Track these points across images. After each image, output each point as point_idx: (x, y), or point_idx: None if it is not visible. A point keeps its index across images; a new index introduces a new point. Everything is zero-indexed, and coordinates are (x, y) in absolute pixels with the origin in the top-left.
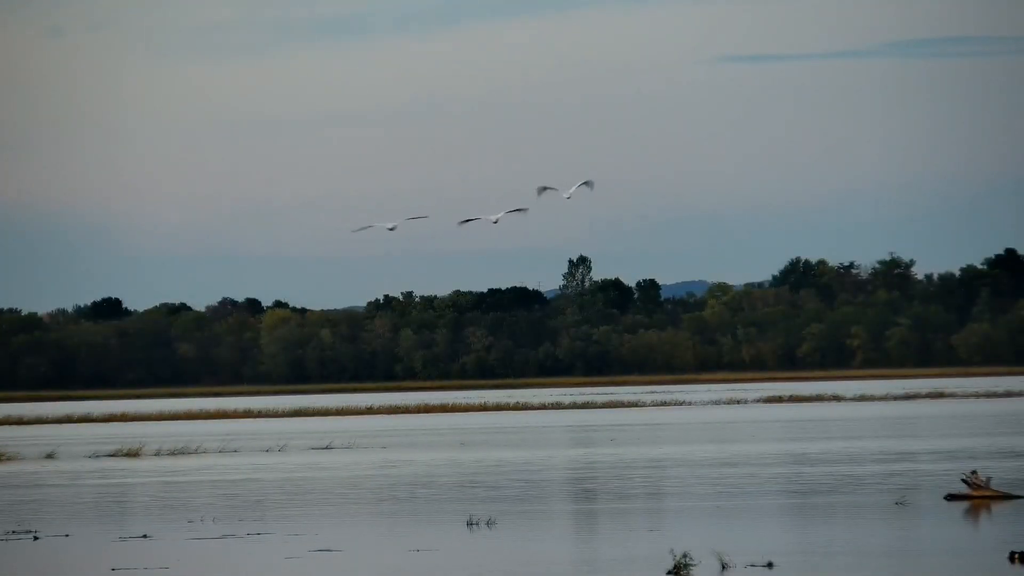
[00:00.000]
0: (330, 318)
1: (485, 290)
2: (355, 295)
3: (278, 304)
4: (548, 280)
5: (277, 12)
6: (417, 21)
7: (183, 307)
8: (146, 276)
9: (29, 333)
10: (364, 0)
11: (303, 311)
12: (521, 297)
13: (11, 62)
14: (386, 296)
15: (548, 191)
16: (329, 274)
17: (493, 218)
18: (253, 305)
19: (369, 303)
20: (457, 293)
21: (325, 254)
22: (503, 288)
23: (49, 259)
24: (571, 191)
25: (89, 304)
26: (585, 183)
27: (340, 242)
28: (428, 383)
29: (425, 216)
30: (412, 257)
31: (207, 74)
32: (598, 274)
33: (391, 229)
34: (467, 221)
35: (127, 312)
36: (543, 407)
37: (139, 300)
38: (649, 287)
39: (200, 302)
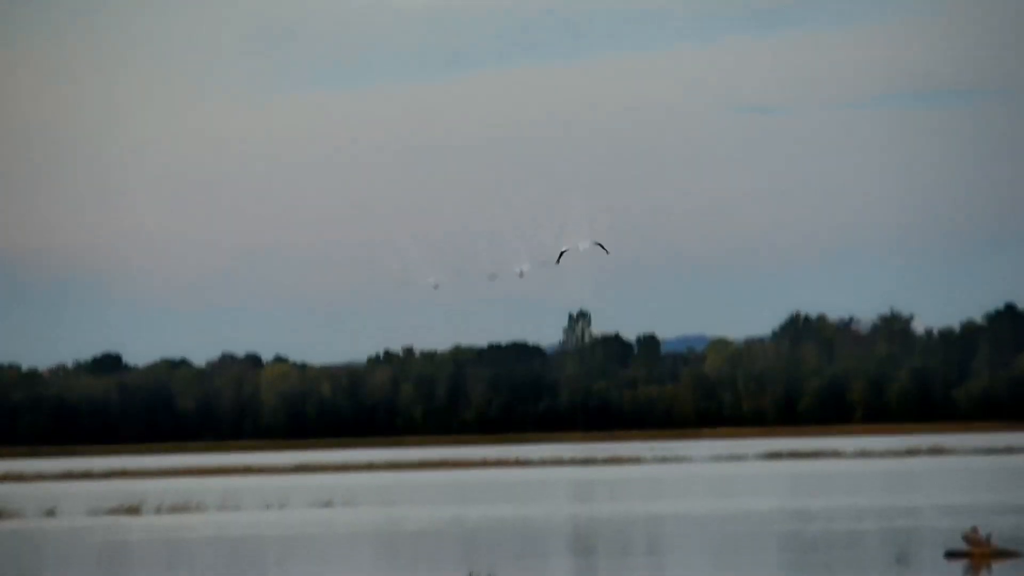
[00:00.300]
0: (330, 372)
1: (485, 344)
2: (355, 349)
3: (278, 359)
4: (548, 334)
5: (274, 57)
6: (425, 66)
7: (183, 362)
8: (146, 330)
9: (29, 388)
10: (360, 47)
11: (303, 365)
12: (521, 351)
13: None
14: (386, 350)
15: (566, 253)
16: (329, 328)
17: (518, 270)
18: (253, 359)
19: (369, 357)
20: (457, 347)
21: (325, 307)
22: (503, 343)
23: (48, 313)
24: (584, 246)
25: (89, 359)
26: (599, 244)
27: (340, 295)
28: (428, 437)
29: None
30: (412, 311)
31: (205, 120)
32: (598, 328)
33: (435, 288)
34: (494, 276)
35: (127, 367)
36: (543, 463)
37: (139, 355)
38: (649, 341)
39: (200, 356)
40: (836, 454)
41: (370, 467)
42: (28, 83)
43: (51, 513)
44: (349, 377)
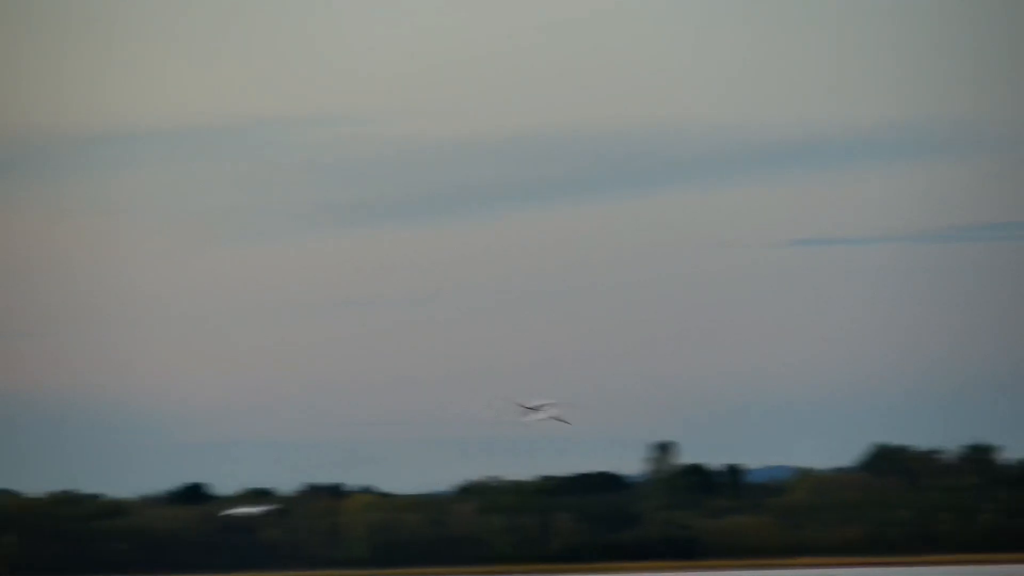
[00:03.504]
0: (416, 502)
1: (571, 474)
2: (440, 479)
3: (363, 489)
4: (632, 464)
5: (292, 196)
6: (452, 205)
7: (267, 492)
8: (230, 461)
9: (115, 518)
10: (382, 184)
11: (388, 495)
12: (607, 482)
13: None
14: (472, 480)
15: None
16: (414, 458)
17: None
18: (337, 490)
19: (455, 487)
20: (543, 477)
21: (409, 437)
22: (589, 473)
23: (133, 444)
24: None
25: (173, 490)
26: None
27: (423, 426)
28: (515, 566)
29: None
30: (497, 441)
31: (263, 255)
32: (682, 458)
33: (537, 412)
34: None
35: (211, 498)
36: None
37: (223, 485)
38: (733, 472)
39: (285, 487)
40: None
41: None
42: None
43: None
44: (435, 507)
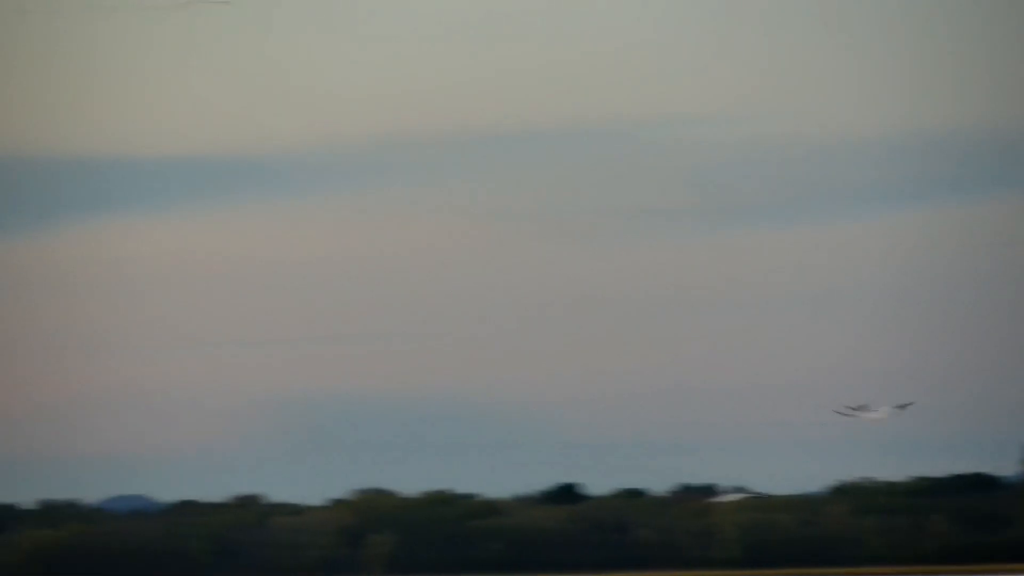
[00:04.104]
0: (789, 502)
1: (945, 475)
2: (813, 479)
3: (736, 489)
4: (1008, 466)
5: (721, 194)
6: (813, 206)
7: (641, 492)
8: (604, 462)
9: (488, 518)
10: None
11: (761, 495)
12: (982, 483)
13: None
14: (844, 481)
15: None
16: (786, 458)
17: (876, 415)
18: (710, 489)
19: (828, 487)
20: (916, 478)
21: (782, 438)
22: (963, 474)
23: (506, 445)
24: (881, 414)
25: (547, 489)
26: (899, 407)
27: (796, 427)
28: (889, 569)
29: (911, 403)
30: (868, 441)
31: (652, 257)
32: None
33: (877, 418)
34: (848, 413)
35: (585, 497)
36: None
37: (597, 485)
38: None
39: (659, 486)
40: None
41: None
42: None
43: None
44: (808, 508)
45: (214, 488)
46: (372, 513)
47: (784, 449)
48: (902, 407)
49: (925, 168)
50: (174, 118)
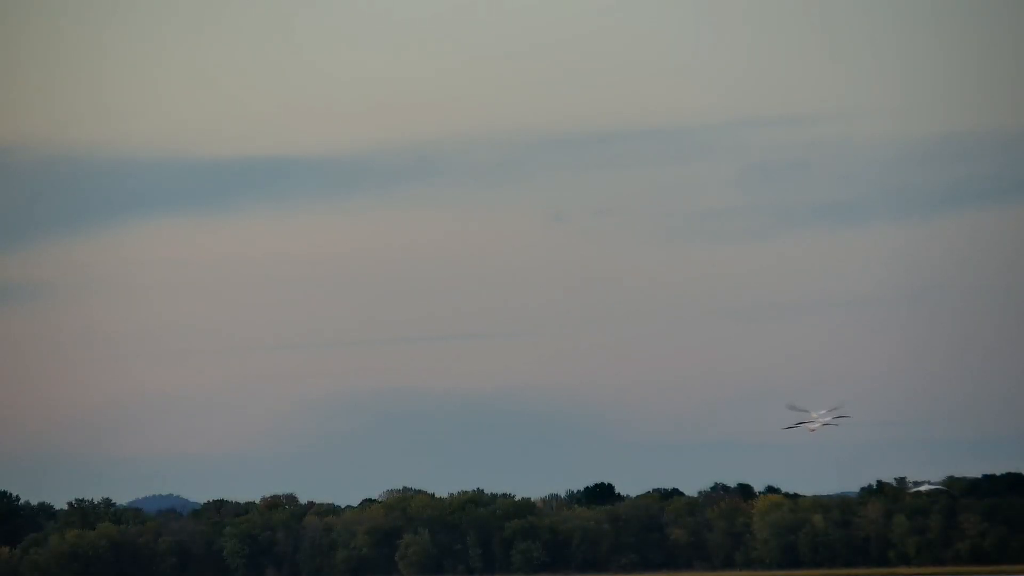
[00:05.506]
0: (822, 503)
1: (979, 476)
2: (847, 480)
3: (770, 490)
4: None
5: (783, 196)
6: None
7: (675, 492)
8: (638, 462)
9: (523, 518)
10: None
11: (795, 496)
12: (1016, 483)
13: (518, 245)
14: (878, 481)
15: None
16: (820, 460)
17: (812, 426)
18: (745, 490)
19: (862, 488)
20: (951, 479)
21: (813, 442)
22: (998, 474)
23: (541, 445)
24: (819, 419)
25: (582, 489)
26: (834, 411)
27: (827, 431)
28: (921, 569)
29: (847, 416)
30: (902, 443)
31: (710, 258)
32: None
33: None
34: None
35: (619, 497)
36: None
37: (631, 485)
38: None
39: (692, 487)
40: None
41: None
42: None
43: None
44: (841, 508)
45: (247, 488)
46: (406, 513)
47: (818, 451)
48: (838, 417)
49: (1002, 168)
50: (213, 119)
